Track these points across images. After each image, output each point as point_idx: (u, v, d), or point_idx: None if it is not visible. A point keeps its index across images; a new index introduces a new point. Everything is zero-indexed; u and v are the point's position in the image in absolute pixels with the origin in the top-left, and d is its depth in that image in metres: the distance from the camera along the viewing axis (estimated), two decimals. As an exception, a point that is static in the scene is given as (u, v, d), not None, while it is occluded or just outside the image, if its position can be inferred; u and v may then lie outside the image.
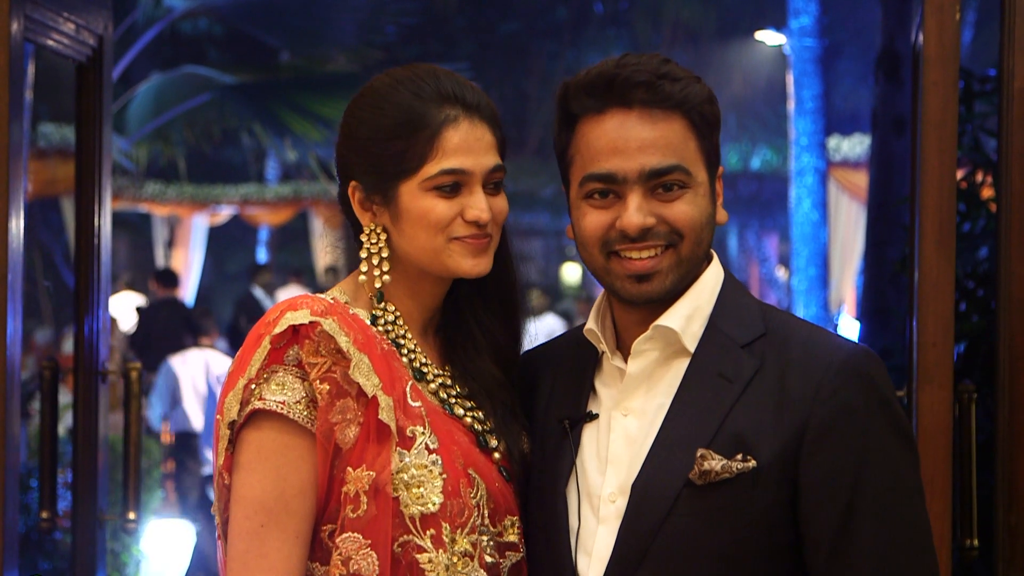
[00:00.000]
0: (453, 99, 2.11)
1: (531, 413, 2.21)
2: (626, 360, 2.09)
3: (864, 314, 8.10)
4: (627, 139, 2.02)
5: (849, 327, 13.69)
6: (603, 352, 2.14)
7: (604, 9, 21.34)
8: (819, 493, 1.93)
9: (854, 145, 16.32)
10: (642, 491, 1.98)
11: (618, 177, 2.02)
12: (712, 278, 2.10)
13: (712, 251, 2.13)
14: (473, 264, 2.13)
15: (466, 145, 2.10)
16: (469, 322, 2.24)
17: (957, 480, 3.24)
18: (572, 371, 2.18)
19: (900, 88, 7.67)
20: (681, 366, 2.05)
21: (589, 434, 2.11)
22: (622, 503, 2.01)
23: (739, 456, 1.94)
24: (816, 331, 2.06)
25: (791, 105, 14.83)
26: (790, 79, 14.97)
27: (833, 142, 16.03)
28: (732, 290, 2.11)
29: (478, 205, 2.10)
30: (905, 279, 4.89)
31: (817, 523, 1.94)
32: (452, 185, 2.10)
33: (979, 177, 5.12)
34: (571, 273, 24.05)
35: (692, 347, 2.05)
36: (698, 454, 1.95)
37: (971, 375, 4.52)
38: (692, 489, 1.95)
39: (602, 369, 2.15)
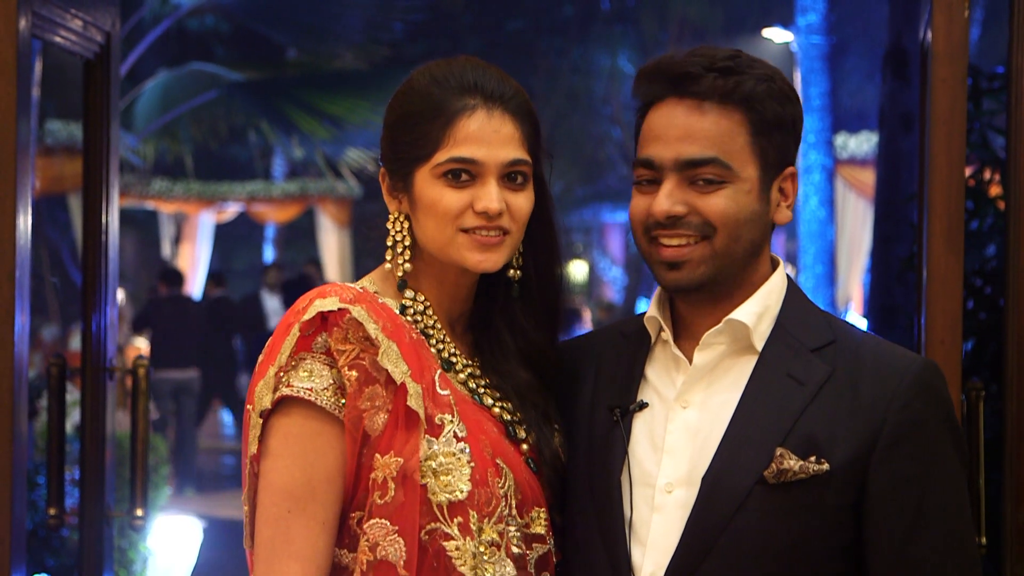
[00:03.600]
0: (473, 89, 2.11)
1: (573, 403, 2.21)
2: (684, 350, 2.11)
3: (871, 312, 8.10)
4: (670, 127, 2.04)
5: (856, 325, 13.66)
6: (656, 341, 2.16)
7: (611, 6, 21.32)
8: (887, 500, 1.97)
9: (861, 142, 16.30)
10: (713, 484, 2.00)
11: (655, 163, 2.06)
12: (779, 282, 2.13)
13: (779, 258, 2.16)
14: (479, 259, 2.12)
15: (479, 135, 2.09)
16: (498, 325, 2.23)
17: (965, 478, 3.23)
18: (619, 360, 2.19)
19: (907, 85, 7.67)
20: (746, 363, 2.07)
21: (641, 423, 2.11)
22: (681, 494, 2.03)
23: (812, 458, 1.97)
24: (882, 342, 2.11)
25: (798, 102, 14.79)
26: (797, 76, 14.97)
27: (840, 139, 16.01)
28: (798, 297, 2.14)
29: (487, 196, 2.09)
30: (912, 276, 4.88)
31: (882, 529, 1.98)
32: (462, 174, 2.09)
33: (987, 175, 5.12)
34: (577, 271, 24.04)
35: (759, 346, 2.07)
36: (777, 453, 1.97)
37: (979, 373, 4.52)
38: (764, 486, 1.97)
39: (654, 358, 2.16)
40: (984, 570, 3.80)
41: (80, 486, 3.94)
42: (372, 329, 2.04)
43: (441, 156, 2.09)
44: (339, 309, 2.04)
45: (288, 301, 13.29)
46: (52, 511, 3.79)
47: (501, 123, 2.11)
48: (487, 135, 2.10)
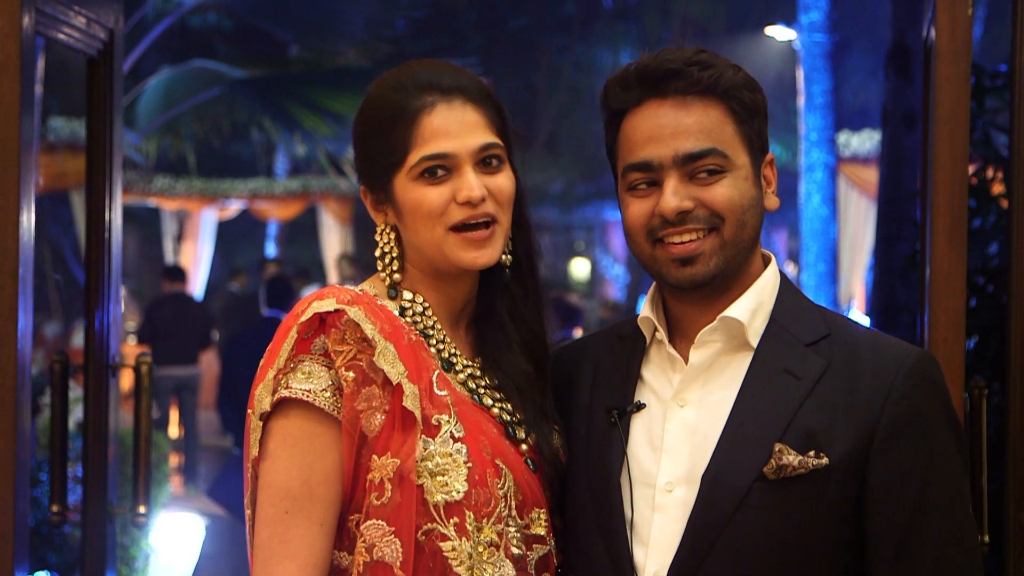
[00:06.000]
0: (428, 86, 2.12)
1: (570, 406, 2.22)
2: (679, 349, 2.12)
3: (873, 310, 8.08)
4: (661, 126, 2.06)
5: (858, 323, 13.64)
6: (651, 342, 2.17)
7: (613, 4, 21.30)
8: (887, 492, 1.98)
9: (864, 141, 16.30)
10: (713, 482, 2.01)
11: (654, 164, 2.07)
12: (772, 278, 2.14)
13: (771, 254, 2.17)
14: (474, 257, 2.13)
15: (445, 128, 2.10)
16: (501, 315, 2.24)
17: (968, 476, 3.23)
18: (616, 362, 2.20)
19: (910, 83, 7.66)
20: (742, 360, 2.08)
21: (639, 424, 2.12)
22: (682, 493, 2.03)
23: (811, 453, 1.97)
24: (877, 335, 2.12)
25: (801, 101, 14.81)
26: (800, 74, 14.95)
27: (843, 138, 16.01)
28: (790, 291, 2.15)
29: (467, 185, 2.10)
30: (915, 275, 4.88)
31: (884, 521, 1.98)
32: (438, 170, 2.10)
33: (990, 173, 5.12)
34: (580, 268, 24.05)
35: (754, 342, 2.08)
36: (776, 448, 1.98)
37: (982, 371, 4.52)
38: (764, 482, 1.98)
39: (650, 359, 2.17)
40: (987, 568, 3.82)
41: (82, 483, 3.94)
42: (369, 330, 2.04)
43: (413, 157, 2.10)
44: (336, 310, 2.05)
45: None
46: (54, 508, 3.79)
47: (463, 112, 2.12)
48: (452, 126, 2.10)
